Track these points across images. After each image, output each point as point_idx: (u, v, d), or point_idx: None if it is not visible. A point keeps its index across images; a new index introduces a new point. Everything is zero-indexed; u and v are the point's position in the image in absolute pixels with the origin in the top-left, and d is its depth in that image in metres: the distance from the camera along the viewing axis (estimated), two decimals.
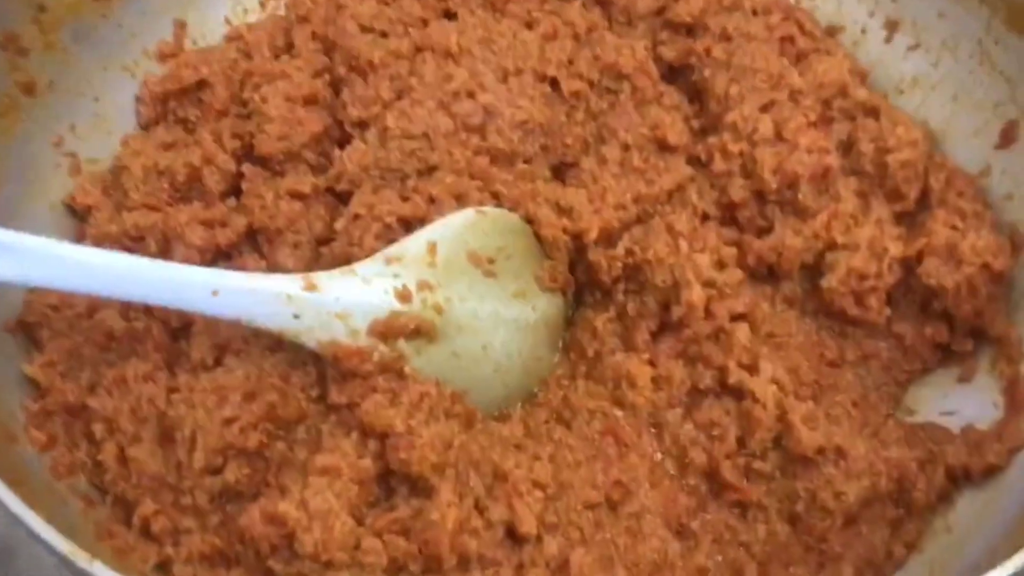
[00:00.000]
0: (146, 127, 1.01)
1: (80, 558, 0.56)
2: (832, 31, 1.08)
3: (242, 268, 0.88)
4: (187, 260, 0.87)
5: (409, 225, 0.85)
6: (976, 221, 0.90)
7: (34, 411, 0.79)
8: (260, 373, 0.77)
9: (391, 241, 0.83)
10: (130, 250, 0.89)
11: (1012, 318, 0.88)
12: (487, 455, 0.76)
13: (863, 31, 1.07)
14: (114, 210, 0.92)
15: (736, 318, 0.87)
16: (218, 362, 0.79)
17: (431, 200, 0.86)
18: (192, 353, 0.79)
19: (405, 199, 0.86)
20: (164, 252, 0.89)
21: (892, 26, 1.05)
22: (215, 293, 0.73)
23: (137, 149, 0.96)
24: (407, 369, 0.77)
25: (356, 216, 0.84)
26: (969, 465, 0.80)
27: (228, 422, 0.73)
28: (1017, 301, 0.89)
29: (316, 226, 0.90)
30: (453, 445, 0.74)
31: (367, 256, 0.82)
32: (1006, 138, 0.95)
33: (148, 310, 0.85)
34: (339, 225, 0.85)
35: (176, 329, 0.85)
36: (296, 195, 0.90)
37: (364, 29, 1.00)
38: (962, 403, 0.87)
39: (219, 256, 0.90)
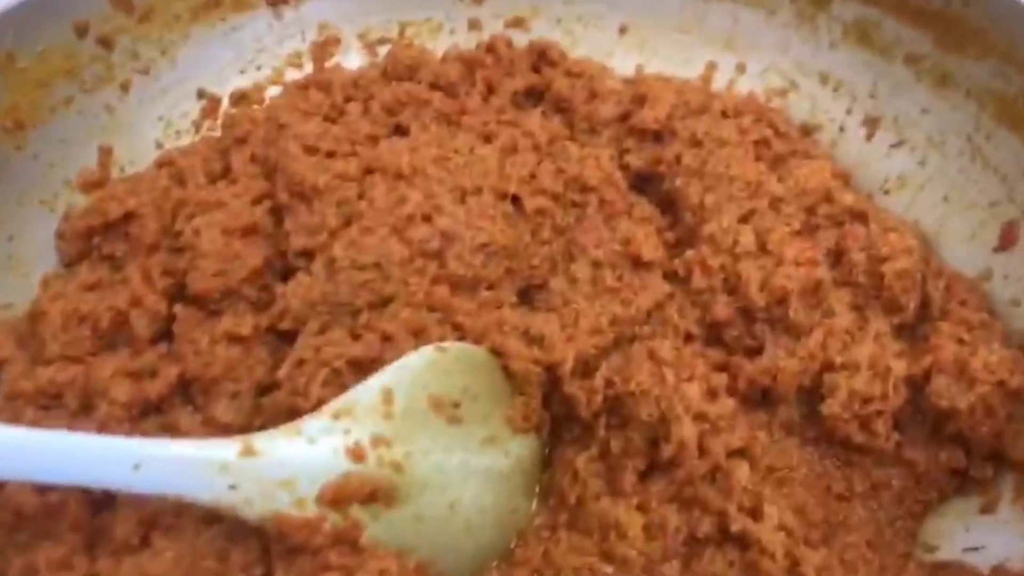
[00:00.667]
0: (68, 265, 0.92)
1: None
2: (808, 130, 1.02)
3: (174, 423, 0.78)
4: (111, 418, 0.77)
5: (361, 368, 0.76)
6: (984, 332, 0.83)
7: None
8: (193, 554, 0.66)
9: (341, 388, 0.74)
10: (47, 409, 0.78)
11: None
12: None
13: (841, 129, 1.01)
14: (29, 363, 0.82)
15: (733, 454, 0.78)
16: (145, 541, 0.68)
17: (386, 338, 0.77)
18: (115, 531, 0.68)
19: (356, 337, 0.77)
20: (85, 410, 0.79)
21: (872, 123, 0.99)
22: (137, 467, 0.63)
23: (57, 291, 0.86)
24: (363, 540, 0.67)
25: (301, 361, 0.75)
26: None
27: None
28: None
29: (257, 372, 0.80)
30: None
31: (314, 407, 0.72)
32: (1006, 239, 0.88)
33: None
34: (282, 372, 0.76)
35: (98, 502, 0.74)
36: (234, 338, 0.81)
37: (308, 150, 0.93)
38: (988, 537, 0.78)
39: (148, 411, 0.80)
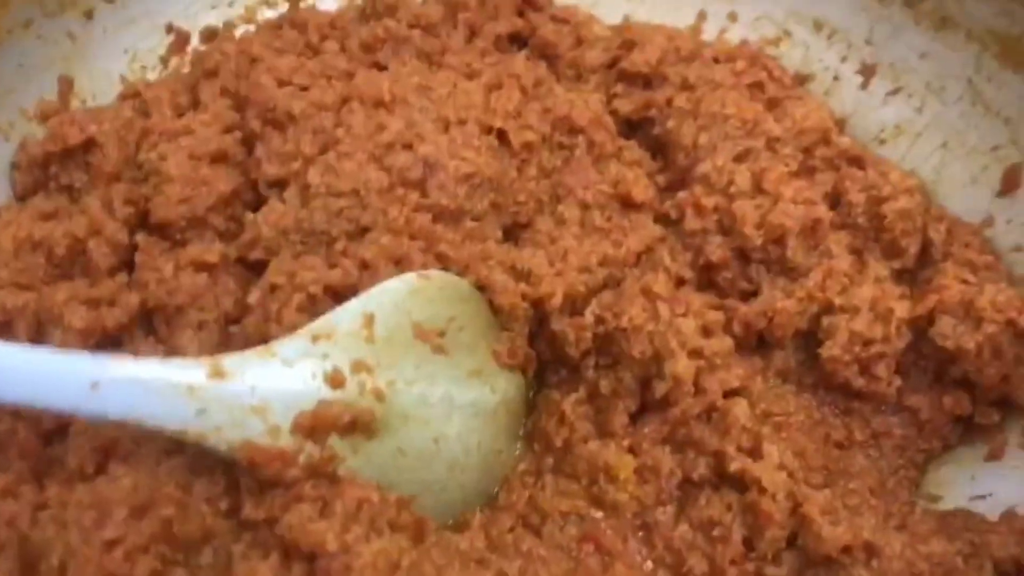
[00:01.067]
0: (23, 197, 0.86)
1: None
2: (801, 80, 0.99)
3: (134, 354, 0.72)
4: (65, 346, 0.71)
5: (339, 296, 0.71)
6: (990, 273, 0.80)
7: None
8: (153, 482, 0.61)
9: (317, 315, 0.69)
10: None
11: None
12: (441, 574, 0.61)
13: (835, 78, 0.98)
14: None
15: (730, 393, 0.74)
16: (100, 469, 0.63)
17: (364, 265, 0.72)
18: (68, 459, 0.63)
19: (332, 265, 0.72)
20: (38, 338, 0.73)
21: (868, 71, 0.96)
22: (94, 386, 0.57)
23: (8, 220, 0.80)
24: (341, 472, 0.62)
25: (274, 287, 0.70)
26: (1021, 557, 0.67)
27: (109, 545, 0.57)
28: None
29: (225, 302, 0.75)
30: (401, 565, 0.59)
31: (288, 334, 0.67)
32: (1009, 183, 0.85)
33: (15, 411, 0.68)
34: (252, 298, 0.71)
35: (49, 431, 0.68)
36: (201, 266, 0.76)
37: (282, 83, 0.88)
38: (995, 484, 0.75)
39: (106, 341, 0.74)
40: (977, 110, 0.88)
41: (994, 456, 0.76)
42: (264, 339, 0.68)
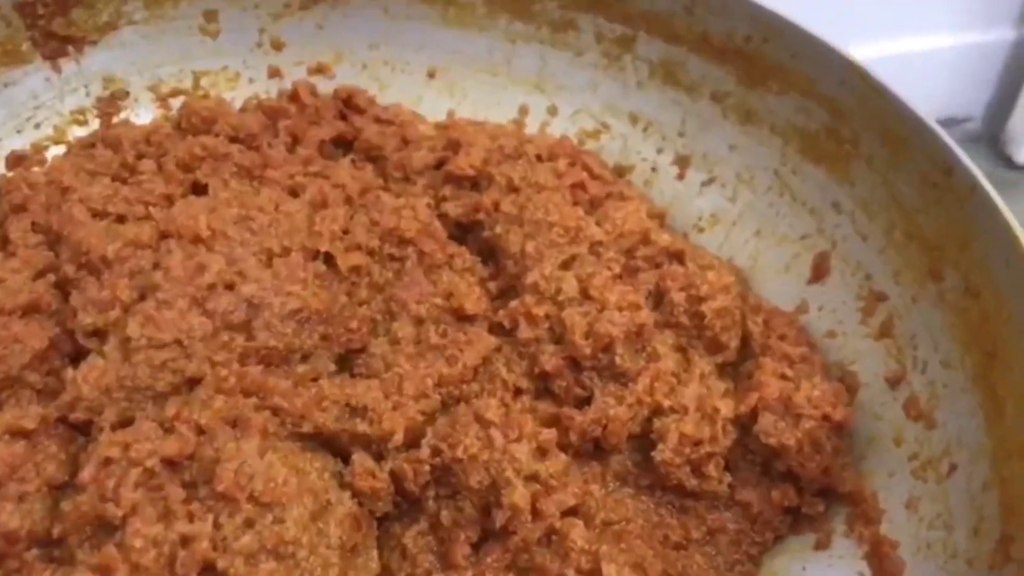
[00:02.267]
0: None
1: None
2: (621, 171, 1.02)
3: None
4: None
5: (176, 467, 0.69)
6: (806, 367, 0.83)
7: None
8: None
9: (157, 490, 0.67)
10: None
11: (860, 470, 0.80)
12: None
13: (653, 169, 1.01)
14: None
15: (567, 512, 0.75)
16: None
17: (200, 431, 0.70)
18: None
19: (168, 431, 0.70)
20: None
21: (683, 162, 0.99)
22: None
23: None
24: None
25: (107, 460, 0.68)
26: None
27: None
28: (862, 450, 0.81)
29: (48, 468, 0.72)
30: None
31: (128, 513, 0.65)
32: (818, 272, 0.90)
33: None
34: (86, 475, 0.68)
35: None
36: (18, 432, 0.72)
37: (96, 214, 0.86)
38: (824, 572, 0.78)
39: None
40: (785, 200, 0.93)
41: (822, 545, 0.79)
42: (101, 519, 0.66)
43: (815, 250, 0.90)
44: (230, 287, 0.79)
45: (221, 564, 0.65)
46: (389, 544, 0.76)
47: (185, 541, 0.65)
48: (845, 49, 0.84)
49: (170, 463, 0.69)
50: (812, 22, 0.87)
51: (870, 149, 0.84)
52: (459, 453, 0.75)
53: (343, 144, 1.02)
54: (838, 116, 0.87)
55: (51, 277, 0.82)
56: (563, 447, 0.79)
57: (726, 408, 0.81)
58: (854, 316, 0.86)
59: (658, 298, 0.87)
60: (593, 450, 0.82)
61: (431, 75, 1.06)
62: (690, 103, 0.98)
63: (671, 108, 0.99)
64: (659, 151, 1.00)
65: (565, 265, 0.87)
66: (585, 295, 0.85)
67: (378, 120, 1.02)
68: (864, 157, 0.85)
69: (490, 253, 0.93)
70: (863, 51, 0.85)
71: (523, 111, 1.05)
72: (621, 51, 1.00)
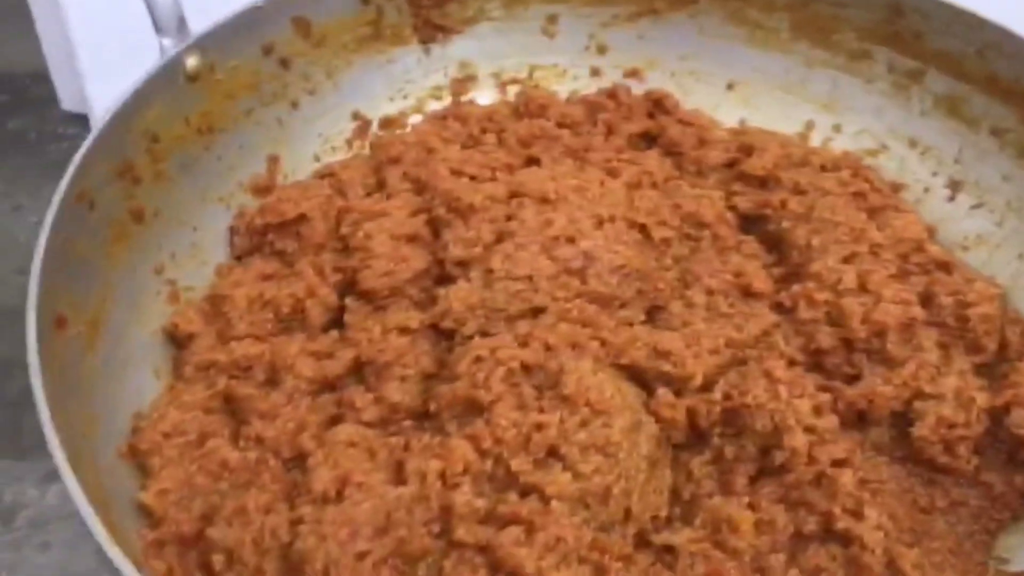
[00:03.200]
0: (239, 258, 1.03)
1: None
2: (895, 188, 1.14)
3: (349, 400, 0.88)
4: (296, 391, 0.88)
5: (529, 371, 0.86)
6: None
7: (150, 540, 0.77)
8: (386, 507, 0.76)
9: (515, 387, 0.84)
10: (237, 379, 0.89)
11: None
12: None
13: (926, 190, 1.13)
14: (216, 338, 0.93)
15: (837, 463, 0.88)
16: (340, 495, 0.78)
17: (547, 347, 0.87)
18: (313, 485, 0.79)
19: (523, 344, 0.87)
20: (272, 383, 0.89)
21: (955, 186, 1.11)
22: None
23: (237, 280, 0.97)
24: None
25: (478, 358, 0.85)
26: None
27: (361, 556, 0.73)
28: None
29: (423, 361, 0.91)
30: None
31: (495, 400, 0.82)
32: None
33: (260, 440, 0.85)
34: (461, 367, 0.86)
35: (288, 460, 0.85)
36: (403, 330, 0.92)
37: (454, 172, 1.04)
38: None
39: (325, 388, 0.90)
40: None
41: None
42: (471, 402, 0.84)
43: None
44: (571, 240, 0.96)
45: (563, 450, 0.81)
46: (678, 467, 0.91)
47: (538, 427, 0.82)
48: None
49: (526, 368, 0.86)
50: None
51: None
52: (748, 400, 0.89)
53: (648, 139, 1.18)
54: None
55: (423, 217, 1.01)
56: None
57: (981, 399, 0.92)
58: None
59: (926, 300, 0.99)
60: (856, 421, 0.95)
61: (730, 87, 1.21)
62: (969, 134, 1.09)
63: (950, 136, 1.11)
64: (934, 174, 1.12)
65: (847, 260, 1.00)
66: (863, 288, 0.98)
67: (681, 121, 1.18)
68: None
69: (773, 245, 1.07)
70: None
71: (809, 126, 1.19)
72: (910, 82, 1.13)
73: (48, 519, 1.10)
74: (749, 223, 1.10)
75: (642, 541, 0.86)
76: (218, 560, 0.76)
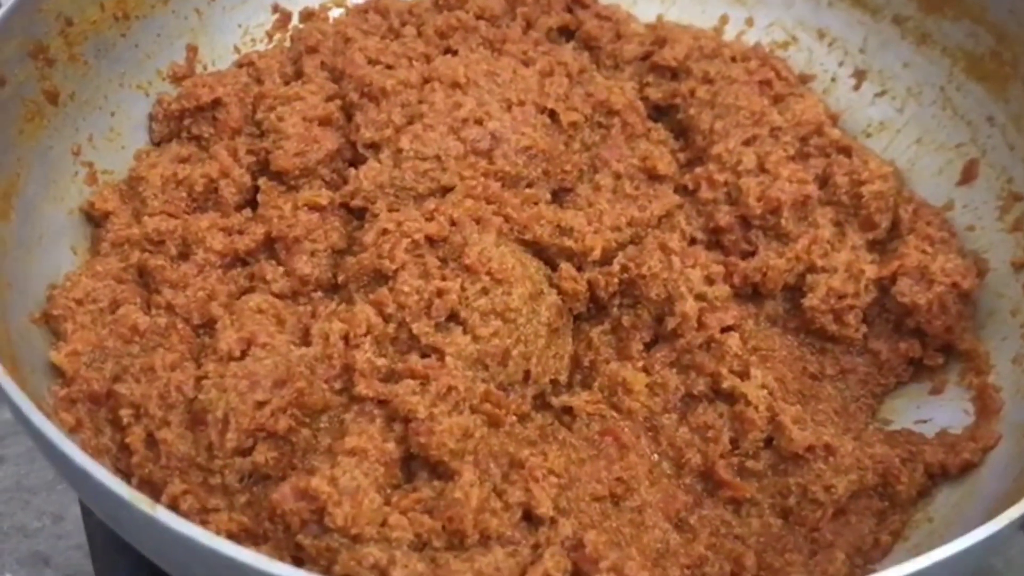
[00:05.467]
0: (158, 143, 1.05)
1: (143, 504, 0.58)
2: (804, 79, 1.17)
3: (260, 273, 0.92)
4: (207, 264, 0.91)
5: (433, 244, 0.89)
6: (944, 247, 0.98)
7: (60, 396, 0.81)
8: (288, 363, 0.80)
9: (419, 257, 0.87)
10: (150, 253, 0.92)
11: (978, 334, 0.95)
12: (504, 447, 0.80)
13: (833, 79, 1.16)
14: (131, 216, 0.96)
15: (726, 329, 0.92)
16: (244, 354, 0.82)
17: (452, 222, 0.90)
18: (219, 345, 0.82)
19: (429, 219, 0.90)
20: (183, 256, 0.92)
21: (860, 75, 1.14)
22: None
23: (153, 162, 1.00)
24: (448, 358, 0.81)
25: (384, 231, 0.88)
26: (946, 463, 0.86)
27: (260, 405, 0.76)
28: (982, 320, 0.96)
29: (332, 236, 0.94)
30: (473, 436, 0.78)
31: (399, 268, 0.86)
32: (967, 175, 1.04)
33: (170, 307, 0.88)
34: (368, 238, 0.89)
35: (198, 326, 0.88)
36: (313, 207, 0.95)
37: (371, 61, 1.06)
38: (935, 412, 0.94)
39: (236, 262, 0.93)
40: (947, 113, 1.07)
41: (936, 391, 0.95)
42: (377, 272, 0.87)
43: (967, 157, 1.04)
44: (479, 122, 0.99)
45: (463, 315, 0.85)
46: (579, 337, 0.96)
47: (439, 293, 0.85)
48: None
49: (430, 240, 0.89)
50: None
51: None
52: (643, 271, 0.93)
53: (567, 33, 1.21)
54: (1003, 41, 1.01)
55: (337, 102, 1.03)
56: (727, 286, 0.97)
57: (870, 270, 0.96)
58: (993, 213, 1.00)
59: (823, 181, 1.03)
60: (751, 295, 1.00)
61: None
62: (873, 23, 1.13)
63: (856, 27, 1.14)
64: (840, 64, 1.15)
65: (747, 143, 1.04)
66: (761, 168, 1.02)
67: (598, 16, 1.20)
68: (1021, 77, 0.99)
69: (681, 132, 1.10)
70: None
71: (723, 20, 1.21)
72: None
73: (2, 435, 1.14)
74: (660, 112, 1.13)
75: (542, 403, 0.91)
76: (126, 414, 0.80)
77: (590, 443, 0.87)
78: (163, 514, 0.58)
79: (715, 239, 1.02)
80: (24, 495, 1.11)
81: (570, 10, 1.21)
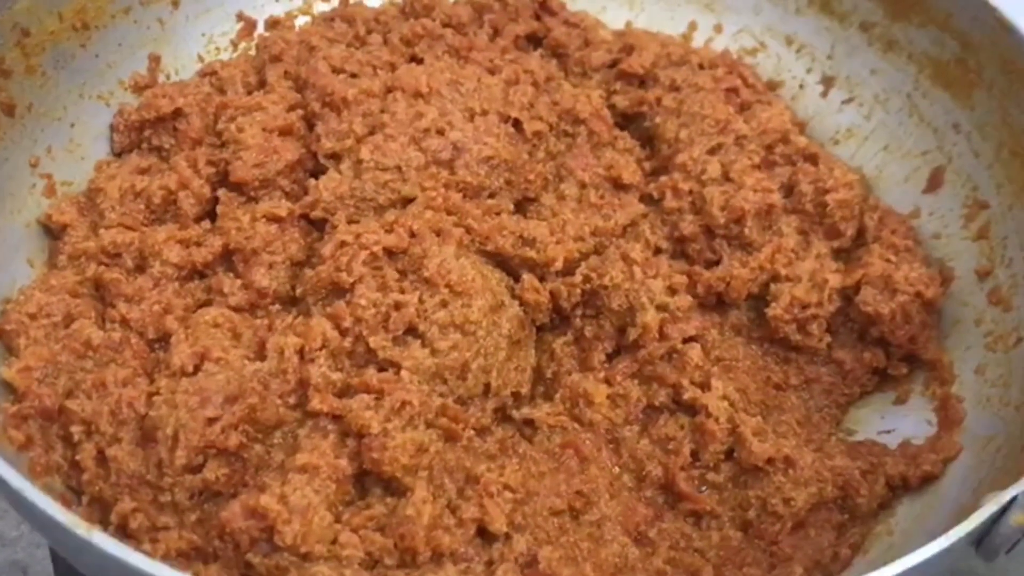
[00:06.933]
0: (119, 154, 1.04)
1: (80, 528, 0.57)
2: (772, 86, 1.17)
3: (217, 286, 0.91)
4: (163, 276, 0.90)
5: (392, 256, 0.88)
6: (908, 255, 0.98)
7: (10, 413, 0.80)
8: (241, 379, 0.79)
9: (377, 270, 0.86)
10: (107, 266, 0.91)
11: (942, 344, 0.95)
12: (461, 462, 0.80)
13: (801, 86, 1.16)
14: (89, 229, 0.95)
15: (688, 340, 0.91)
16: (197, 369, 0.81)
17: (412, 234, 0.90)
18: (172, 360, 0.81)
19: (388, 231, 0.90)
20: (140, 269, 0.91)
21: (828, 82, 1.14)
22: None
23: (112, 173, 0.99)
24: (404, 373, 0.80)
25: (342, 243, 0.87)
26: (907, 474, 0.86)
27: (210, 421, 0.76)
28: (946, 330, 0.96)
29: (291, 248, 0.93)
30: (428, 451, 0.78)
31: (356, 281, 0.85)
32: (933, 183, 1.03)
33: (124, 321, 0.87)
34: (326, 251, 0.88)
35: (152, 340, 0.87)
36: (272, 218, 0.94)
37: (335, 70, 1.06)
38: (898, 422, 0.93)
39: (194, 275, 0.93)
40: (913, 120, 1.06)
41: (900, 401, 0.95)
42: (335, 285, 0.86)
43: (933, 164, 1.04)
44: (440, 132, 0.98)
45: (421, 328, 0.84)
46: (542, 348, 0.95)
47: (397, 306, 0.84)
48: None
49: (389, 252, 0.88)
50: None
51: (991, 78, 0.98)
52: (605, 281, 0.92)
53: (535, 41, 1.20)
54: (968, 48, 1.00)
55: (299, 112, 1.03)
56: (691, 296, 0.96)
57: (834, 280, 0.96)
58: (958, 221, 1.00)
59: (788, 190, 1.02)
60: (715, 304, 0.99)
61: None
62: (840, 30, 1.12)
63: (823, 34, 1.14)
64: (808, 71, 1.15)
65: (712, 151, 1.03)
66: (726, 177, 1.01)
67: (566, 23, 1.19)
68: (985, 85, 0.99)
69: (647, 141, 1.10)
70: None
71: (692, 27, 1.21)
72: None
73: None
74: (628, 120, 1.12)
75: (504, 416, 0.90)
76: (77, 431, 0.79)
77: (551, 456, 0.87)
78: (99, 538, 0.57)
79: (680, 248, 1.01)
80: (2, 504, 1.10)
81: (538, 17, 1.21)
